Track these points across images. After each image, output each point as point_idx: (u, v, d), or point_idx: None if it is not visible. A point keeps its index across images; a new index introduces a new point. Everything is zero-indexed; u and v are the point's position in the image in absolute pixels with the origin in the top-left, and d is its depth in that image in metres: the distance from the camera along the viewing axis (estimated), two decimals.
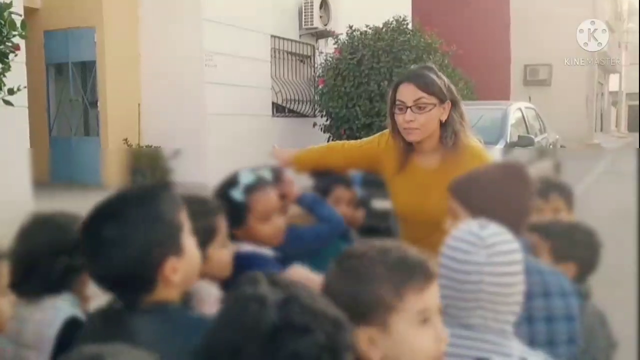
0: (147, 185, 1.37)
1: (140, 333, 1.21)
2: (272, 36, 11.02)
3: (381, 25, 10.59)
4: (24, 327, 1.60)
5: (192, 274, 1.36)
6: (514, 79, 21.55)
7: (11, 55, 5.13)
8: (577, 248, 1.93)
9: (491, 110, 7.78)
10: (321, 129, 10.73)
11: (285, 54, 11.52)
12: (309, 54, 12.19)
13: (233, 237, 1.77)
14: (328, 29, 11.68)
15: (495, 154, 5.10)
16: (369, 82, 10.00)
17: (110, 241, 1.23)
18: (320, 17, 11.62)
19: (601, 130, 30.74)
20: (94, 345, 0.95)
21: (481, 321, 1.32)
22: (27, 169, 6.85)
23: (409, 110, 2.14)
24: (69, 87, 9.75)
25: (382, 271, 1.17)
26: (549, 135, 9.73)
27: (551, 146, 9.48)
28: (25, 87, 5.51)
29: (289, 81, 11.54)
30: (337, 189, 2.36)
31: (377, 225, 2.42)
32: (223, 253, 1.65)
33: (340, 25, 11.40)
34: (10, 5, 4.97)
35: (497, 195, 1.62)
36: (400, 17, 10.86)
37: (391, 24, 10.63)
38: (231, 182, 1.91)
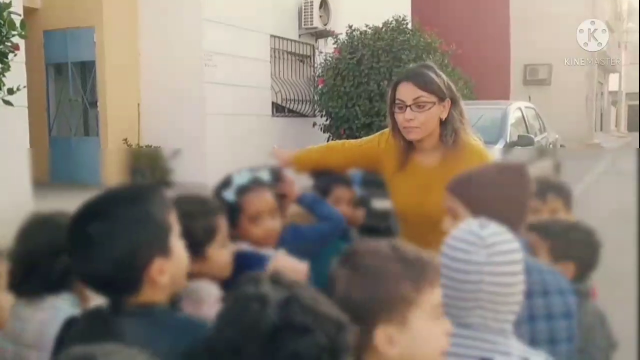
0: (137, 185, 1.36)
1: (125, 335, 1.19)
2: (272, 36, 11.02)
3: (381, 25, 10.59)
4: (25, 327, 1.60)
5: (180, 276, 1.34)
6: (514, 78, 21.54)
7: (11, 55, 5.12)
8: (576, 247, 1.93)
9: (491, 110, 7.78)
10: (321, 128, 10.73)
11: (285, 53, 11.51)
12: (309, 53, 12.19)
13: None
14: (328, 29, 11.67)
15: (495, 153, 5.10)
16: (368, 82, 9.99)
17: (96, 239, 1.21)
18: (320, 16, 11.61)
19: (601, 129, 30.74)
20: (86, 345, 0.94)
21: (481, 320, 1.32)
22: (27, 169, 6.85)
23: (408, 108, 2.14)
24: (69, 87, 9.75)
25: (400, 267, 1.18)
26: (549, 135, 9.73)
27: (551, 146, 9.48)
28: (24, 87, 5.51)
29: (289, 81, 11.54)
30: (337, 189, 2.36)
31: (377, 225, 2.42)
32: (223, 253, 1.65)
33: (339, 25, 11.39)
34: (9, 5, 4.97)
35: (496, 193, 1.62)
36: (399, 16, 10.86)
37: (391, 23, 10.63)
38: (226, 182, 1.91)
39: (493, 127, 7.43)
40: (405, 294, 1.17)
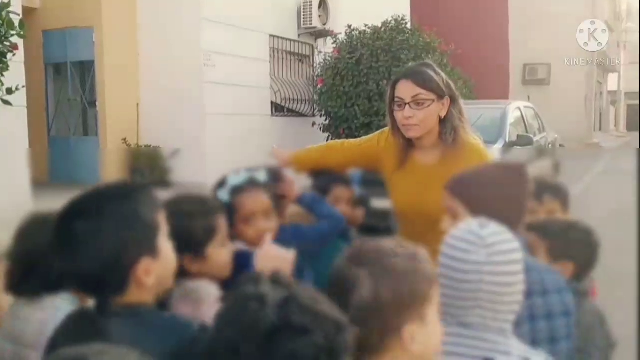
0: (125, 184, 1.35)
1: (112, 335, 1.18)
2: (271, 36, 11.02)
3: (380, 25, 10.59)
4: (24, 327, 1.60)
5: (167, 278, 1.32)
6: (513, 78, 21.54)
7: (9, 55, 5.11)
8: (574, 247, 1.93)
9: (490, 110, 7.78)
10: (320, 128, 10.73)
11: (284, 53, 11.51)
12: (308, 53, 12.18)
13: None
14: (327, 29, 11.67)
15: (494, 153, 5.10)
16: (367, 82, 9.99)
17: (82, 237, 1.20)
18: (319, 16, 11.61)
19: (600, 129, 30.76)
20: (75, 346, 0.94)
21: (480, 320, 1.32)
22: (26, 168, 6.85)
23: (407, 106, 2.14)
24: (68, 87, 9.74)
25: (416, 265, 1.20)
26: (548, 135, 9.73)
27: (550, 145, 9.48)
28: (23, 87, 5.50)
29: (288, 81, 11.54)
30: (336, 188, 2.36)
31: (377, 225, 2.42)
32: (223, 252, 1.65)
33: (339, 24, 11.39)
34: (8, 4, 4.96)
35: (495, 193, 1.62)
36: (399, 16, 10.86)
37: (390, 23, 10.63)
38: (221, 182, 1.91)
39: (492, 127, 7.43)
40: (426, 290, 1.20)
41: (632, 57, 34.26)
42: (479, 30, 17.21)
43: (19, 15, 5.39)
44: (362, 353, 1.19)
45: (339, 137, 9.88)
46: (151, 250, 1.25)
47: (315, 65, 11.84)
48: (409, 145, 2.24)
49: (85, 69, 9.59)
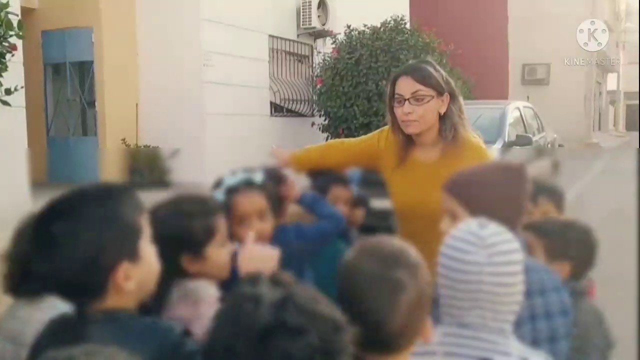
0: (107, 184, 1.29)
1: (90, 342, 1.11)
2: (271, 36, 11.02)
3: (379, 25, 10.59)
4: (24, 328, 1.60)
5: (149, 283, 1.28)
6: (512, 78, 21.56)
7: (8, 56, 5.12)
8: (572, 246, 1.93)
9: (489, 110, 7.79)
10: (319, 128, 10.73)
11: (284, 53, 11.51)
12: (307, 53, 12.18)
13: None
14: (326, 29, 11.67)
15: (493, 153, 5.10)
16: (367, 82, 9.99)
17: (59, 239, 1.15)
18: (319, 16, 11.61)
19: (599, 129, 30.79)
20: (66, 348, 0.93)
21: (480, 320, 1.32)
22: (25, 169, 6.84)
23: (407, 102, 2.16)
24: (67, 87, 9.73)
25: None
26: (547, 135, 9.74)
27: (549, 145, 9.49)
28: (22, 87, 5.50)
29: (287, 81, 11.54)
30: (335, 188, 2.36)
31: (377, 225, 2.42)
32: (222, 253, 1.65)
33: (338, 25, 11.39)
34: (7, 5, 4.96)
35: (494, 193, 1.62)
36: (398, 16, 10.86)
37: (389, 23, 10.63)
38: (217, 183, 1.90)
39: (491, 127, 7.43)
40: None
41: (631, 57, 34.32)
42: (478, 30, 17.22)
43: (17, 15, 5.40)
44: (364, 353, 1.19)
45: (338, 137, 9.88)
46: (131, 254, 1.21)
47: (314, 65, 11.84)
48: (408, 142, 2.24)
49: (84, 69, 9.59)
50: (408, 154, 2.25)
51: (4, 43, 4.98)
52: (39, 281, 1.24)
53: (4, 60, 5.08)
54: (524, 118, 8.80)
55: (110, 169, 8.70)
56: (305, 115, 11.59)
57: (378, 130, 2.41)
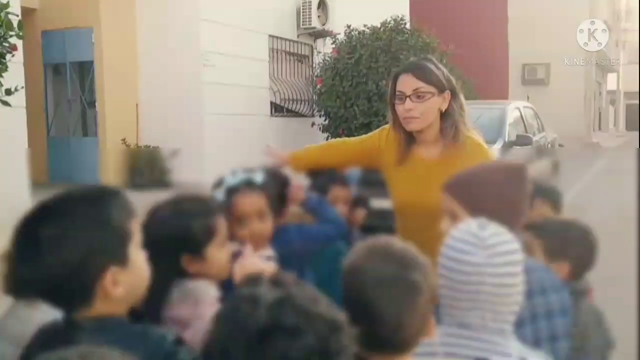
0: (96, 187, 1.24)
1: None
2: (270, 36, 11.02)
3: (379, 25, 10.59)
4: (25, 329, 1.59)
5: (138, 289, 1.23)
6: (512, 78, 21.57)
7: (8, 56, 5.11)
8: (571, 246, 1.93)
9: (489, 110, 7.78)
10: (319, 128, 10.73)
11: (284, 53, 11.51)
12: (307, 53, 12.19)
13: None
14: (326, 29, 11.67)
15: (494, 152, 5.09)
16: (367, 82, 9.99)
17: (45, 242, 1.12)
18: (319, 17, 11.61)
19: (599, 129, 30.79)
20: (60, 350, 0.92)
21: (480, 321, 1.32)
22: (25, 169, 6.84)
23: (408, 99, 2.16)
24: (67, 88, 9.74)
25: None
26: (547, 134, 9.73)
27: (549, 145, 9.48)
28: (22, 88, 5.48)
29: (287, 81, 11.54)
30: (334, 188, 2.36)
31: (378, 224, 2.42)
32: (222, 253, 1.65)
33: (338, 25, 11.39)
34: (7, 5, 4.95)
35: (494, 193, 1.62)
36: (398, 16, 10.86)
37: (389, 23, 10.63)
38: (218, 182, 1.90)
39: (491, 127, 7.42)
40: None
41: (631, 56, 34.33)
42: (478, 30, 17.22)
43: (17, 16, 5.39)
44: (370, 353, 1.19)
45: (338, 137, 9.87)
46: (120, 258, 1.17)
47: (314, 65, 11.85)
48: (409, 140, 2.25)
49: (85, 70, 9.59)
50: (409, 151, 2.25)
51: (4, 43, 4.97)
52: (25, 286, 1.18)
53: (4, 61, 5.07)
54: (524, 118, 8.80)
55: (110, 169, 8.72)
56: (305, 115, 11.59)
57: (378, 129, 2.42)
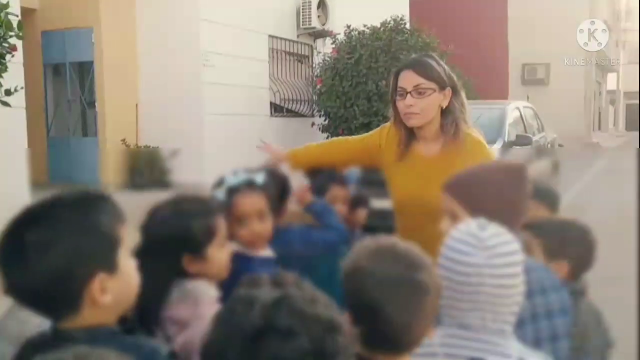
0: (84, 192, 1.20)
1: None
2: (270, 36, 11.02)
3: (379, 25, 10.59)
4: (25, 329, 1.59)
5: (127, 297, 1.20)
6: (512, 78, 21.57)
7: (8, 56, 5.11)
8: (570, 246, 1.93)
9: (489, 110, 7.77)
10: (319, 128, 10.73)
11: (283, 53, 11.51)
12: (307, 53, 12.18)
13: None
14: (326, 29, 11.67)
15: (494, 150, 5.09)
16: (366, 82, 9.99)
17: (31, 247, 1.08)
18: (318, 17, 11.61)
19: (599, 129, 30.79)
20: (57, 352, 0.92)
21: (480, 322, 1.32)
22: (25, 169, 6.84)
23: (409, 95, 2.17)
24: (67, 88, 9.73)
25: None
26: (547, 134, 9.73)
27: (549, 145, 9.48)
28: (22, 88, 5.48)
29: (287, 81, 11.54)
30: (333, 188, 2.36)
31: (379, 224, 2.42)
32: (222, 253, 1.65)
33: (338, 25, 11.39)
34: (7, 5, 4.95)
35: (494, 193, 1.62)
36: (398, 16, 10.86)
37: (389, 23, 10.63)
38: (218, 182, 1.91)
39: (491, 127, 7.41)
40: None
41: (630, 56, 34.34)
42: (478, 30, 17.22)
43: (17, 16, 5.39)
44: (373, 353, 1.19)
45: (338, 137, 9.86)
46: (108, 265, 1.14)
47: (314, 65, 11.84)
48: (410, 136, 2.26)
49: (84, 70, 9.59)
50: (409, 147, 2.26)
51: (3, 44, 4.97)
52: (11, 292, 1.14)
53: (3, 61, 5.07)
54: (523, 118, 8.80)
55: (110, 169, 8.71)
56: (305, 116, 11.59)
57: (379, 128, 2.43)
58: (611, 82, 35.89)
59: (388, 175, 2.32)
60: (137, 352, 1.13)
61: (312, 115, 11.42)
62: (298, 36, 11.76)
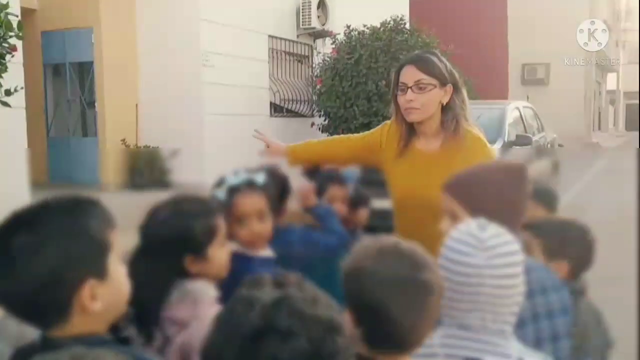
0: (73, 197, 1.17)
1: None
2: (270, 36, 11.02)
3: (379, 25, 10.58)
4: (24, 329, 1.59)
5: (118, 304, 1.17)
6: (512, 78, 21.57)
7: (8, 56, 5.11)
8: (569, 245, 1.93)
9: (489, 110, 7.77)
10: (319, 128, 10.73)
11: (283, 54, 11.51)
12: (307, 54, 12.18)
13: None
14: (326, 29, 11.67)
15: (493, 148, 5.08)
16: (366, 82, 9.99)
17: (18, 254, 1.06)
18: (318, 17, 11.61)
19: (599, 129, 30.79)
20: (54, 353, 0.91)
21: (480, 322, 1.32)
22: (25, 169, 6.84)
23: (409, 90, 2.19)
24: (67, 88, 9.73)
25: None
26: (547, 134, 9.73)
27: (549, 145, 9.48)
28: (22, 88, 5.49)
29: (287, 81, 11.54)
30: (332, 188, 2.37)
31: (379, 224, 2.42)
32: (222, 252, 1.65)
33: (337, 25, 11.39)
34: (6, 6, 4.95)
35: (494, 193, 1.62)
36: (397, 16, 10.85)
37: (389, 23, 10.63)
38: (219, 182, 1.91)
39: (491, 127, 7.40)
40: None
41: (630, 56, 34.35)
42: (478, 30, 17.22)
43: (17, 16, 5.39)
44: (375, 353, 1.19)
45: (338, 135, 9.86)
46: (98, 271, 1.11)
47: (314, 65, 11.84)
48: (410, 132, 2.26)
49: (84, 70, 9.59)
50: (409, 143, 2.27)
51: (3, 44, 4.97)
52: None
53: (3, 61, 5.07)
54: (523, 118, 8.79)
55: (110, 169, 8.72)
56: (304, 116, 11.58)
57: (380, 126, 2.44)
58: (611, 82, 35.89)
59: (388, 171, 2.32)
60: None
61: (312, 116, 11.42)
62: (298, 36, 11.75)
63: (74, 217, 1.12)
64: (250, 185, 1.89)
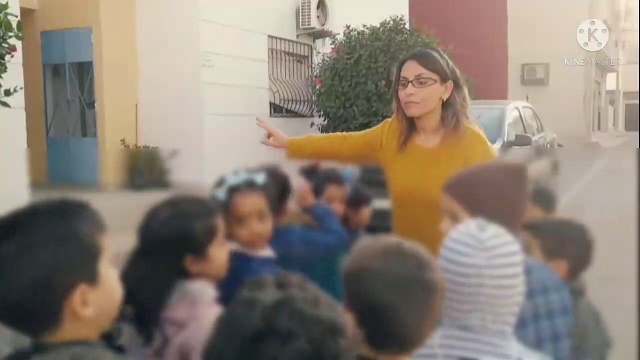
0: (63, 200, 1.15)
1: None
2: (270, 36, 11.01)
3: (378, 25, 10.58)
4: None
5: (110, 309, 1.15)
6: (512, 78, 21.58)
7: (7, 57, 5.10)
8: (568, 245, 1.93)
9: (489, 110, 7.77)
10: (319, 128, 10.72)
11: (283, 54, 11.51)
12: (307, 54, 12.18)
13: None
14: (325, 29, 11.67)
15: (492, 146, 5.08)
16: (366, 82, 9.99)
17: (7, 259, 1.03)
18: (318, 17, 11.61)
19: (599, 129, 30.80)
20: (53, 353, 0.91)
21: (480, 323, 1.32)
22: (25, 170, 6.84)
23: (410, 84, 2.20)
24: (66, 88, 9.73)
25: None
26: (547, 134, 9.73)
27: (548, 145, 9.48)
28: (22, 88, 5.48)
29: (287, 81, 11.53)
30: (330, 188, 2.37)
31: (379, 224, 2.42)
32: (222, 252, 1.65)
33: (337, 25, 11.38)
34: (6, 6, 4.95)
35: (494, 194, 1.62)
36: (397, 16, 10.85)
37: (388, 23, 10.63)
38: (220, 182, 1.91)
39: (491, 127, 7.39)
40: None
41: (630, 56, 34.36)
42: (477, 30, 17.22)
43: (16, 16, 5.39)
44: (377, 353, 1.19)
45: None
46: (89, 276, 1.09)
47: (313, 65, 11.84)
48: (410, 127, 2.27)
49: (84, 70, 9.58)
50: (409, 139, 2.28)
51: (3, 44, 4.96)
52: None
53: (3, 62, 5.07)
54: (523, 118, 8.79)
55: (109, 169, 8.72)
56: (304, 116, 11.58)
57: (381, 123, 2.45)
58: (611, 82, 35.91)
59: (388, 167, 2.33)
60: None
61: (312, 116, 11.41)
62: (297, 36, 11.75)
63: (63, 221, 1.09)
64: (250, 185, 1.88)
